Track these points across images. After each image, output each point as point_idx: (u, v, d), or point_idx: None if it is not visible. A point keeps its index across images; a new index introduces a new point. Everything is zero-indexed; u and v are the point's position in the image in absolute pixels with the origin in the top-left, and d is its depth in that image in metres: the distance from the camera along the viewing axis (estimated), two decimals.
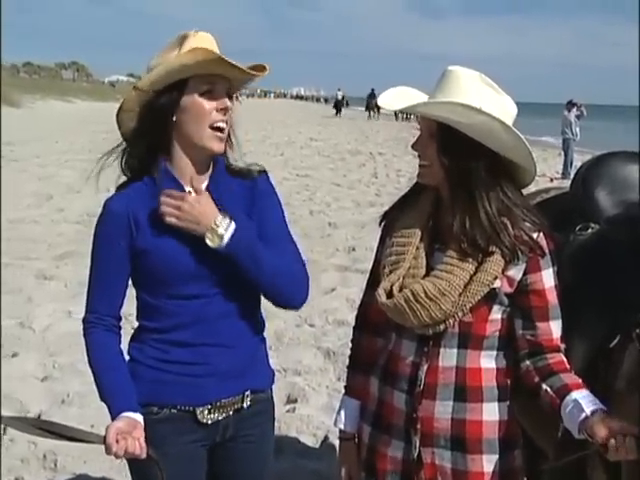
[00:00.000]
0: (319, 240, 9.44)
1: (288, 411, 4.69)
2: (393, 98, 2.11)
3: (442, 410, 2.05)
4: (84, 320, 2.14)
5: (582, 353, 2.23)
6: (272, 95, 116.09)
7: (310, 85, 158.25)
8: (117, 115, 2.13)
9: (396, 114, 44.02)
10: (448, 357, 2.05)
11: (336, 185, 15.06)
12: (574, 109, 19.13)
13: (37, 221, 10.32)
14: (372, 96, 45.74)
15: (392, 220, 2.18)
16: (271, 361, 2.31)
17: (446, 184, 2.05)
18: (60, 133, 25.23)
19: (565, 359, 2.08)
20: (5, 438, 4.06)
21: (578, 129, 19.09)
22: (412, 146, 2.09)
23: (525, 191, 2.31)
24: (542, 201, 2.79)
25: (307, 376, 5.26)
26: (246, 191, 2.18)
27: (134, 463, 2.10)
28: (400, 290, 2.04)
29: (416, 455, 2.09)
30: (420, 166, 2.08)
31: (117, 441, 1.92)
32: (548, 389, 2.02)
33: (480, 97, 1.98)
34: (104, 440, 1.93)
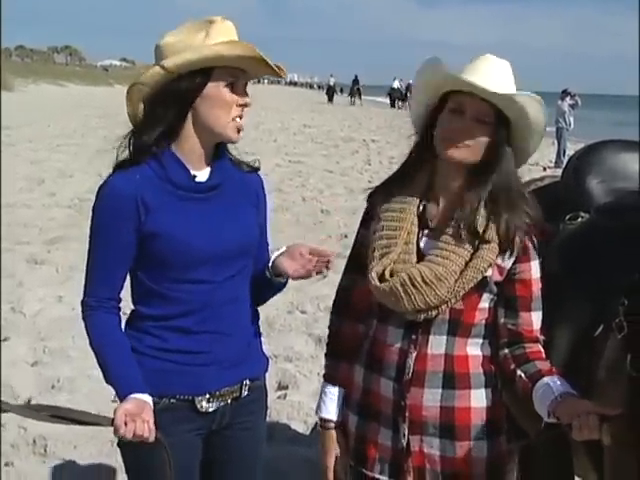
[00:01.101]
0: (311, 227, 9.42)
1: (279, 397, 4.69)
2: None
3: (431, 398, 2.06)
4: (83, 303, 2.06)
5: (567, 342, 2.23)
6: (266, 81, 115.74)
7: (305, 72, 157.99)
8: (128, 93, 2.06)
9: (392, 102, 43.91)
10: (437, 344, 2.05)
11: (329, 172, 15.03)
12: (568, 98, 19.09)
13: (28, 205, 10.29)
14: (356, 82, 46.12)
15: (380, 202, 2.14)
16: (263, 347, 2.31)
17: (472, 166, 2.02)
18: (52, 117, 25.10)
19: (542, 350, 2.09)
20: None
21: (572, 118, 19.04)
22: (455, 128, 1.98)
23: None
24: (534, 190, 2.79)
25: (298, 363, 5.26)
26: (244, 183, 2.19)
27: (133, 450, 2.06)
28: (391, 275, 2.03)
29: (405, 443, 2.09)
30: (456, 146, 1.99)
31: (125, 423, 1.88)
32: (522, 375, 2.05)
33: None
34: (112, 422, 1.89)
